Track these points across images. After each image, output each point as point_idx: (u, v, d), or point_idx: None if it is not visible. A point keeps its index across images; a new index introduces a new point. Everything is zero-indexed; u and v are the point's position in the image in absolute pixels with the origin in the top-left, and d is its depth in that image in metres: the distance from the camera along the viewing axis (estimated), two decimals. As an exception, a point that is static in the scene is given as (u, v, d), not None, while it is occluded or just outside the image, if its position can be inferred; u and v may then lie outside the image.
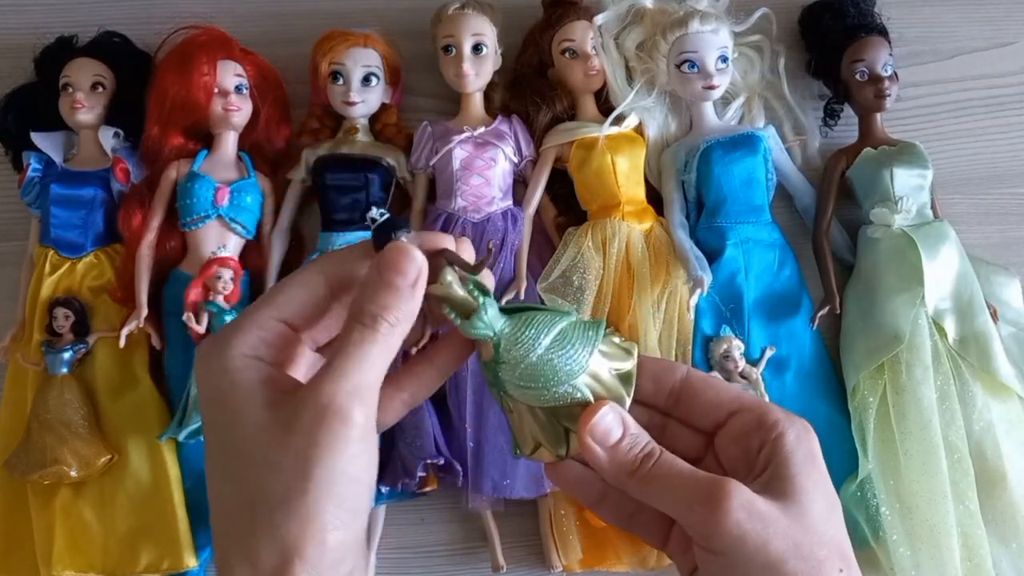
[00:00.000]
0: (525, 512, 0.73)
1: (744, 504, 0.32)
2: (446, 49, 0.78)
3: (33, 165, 0.78)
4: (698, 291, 0.71)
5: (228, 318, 0.71)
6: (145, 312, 0.72)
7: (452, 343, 0.37)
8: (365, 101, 0.78)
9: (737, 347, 0.73)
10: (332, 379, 0.31)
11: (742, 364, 0.72)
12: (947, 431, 0.69)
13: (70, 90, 0.78)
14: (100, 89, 0.78)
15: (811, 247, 0.78)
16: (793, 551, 0.32)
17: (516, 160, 0.78)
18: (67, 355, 0.72)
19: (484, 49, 0.77)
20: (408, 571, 0.73)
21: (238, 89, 0.77)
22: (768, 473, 0.34)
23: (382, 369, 0.32)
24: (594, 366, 0.35)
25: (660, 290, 0.74)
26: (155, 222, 0.75)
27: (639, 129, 0.79)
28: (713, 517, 0.32)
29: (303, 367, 0.35)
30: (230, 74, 0.76)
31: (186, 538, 0.69)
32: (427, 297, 0.33)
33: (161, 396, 0.73)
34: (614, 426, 0.35)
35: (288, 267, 0.77)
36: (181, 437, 0.68)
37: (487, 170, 0.76)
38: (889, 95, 0.77)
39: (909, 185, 0.75)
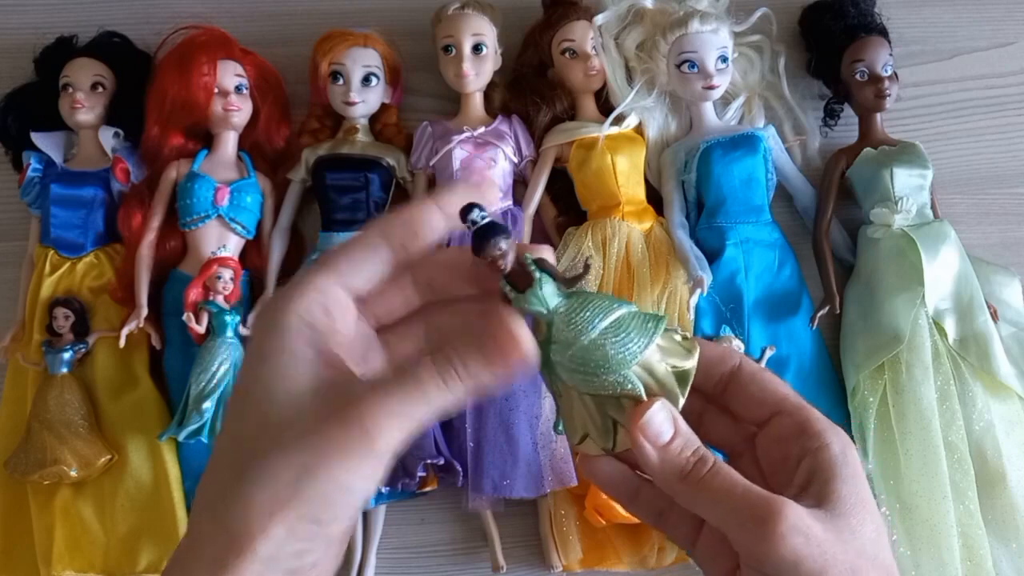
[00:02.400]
0: (525, 512, 0.73)
1: (802, 528, 0.30)
2: (446, 49, 0.78)
3: (33, 165, 0.78)
4: (698, 291, 0.71)
5: (228, 318, 0.71)
6: (145, 312, 0.72)
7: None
8: (365, 101, 0.78)
9: (737, 347, 0.73)
10: (372, 399, 0.29)
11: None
12: (947, 431, 0.69)
13: (70, 90, 0.78)
14: (100, 89, 0.78)
15: (811, 247, 0.78)
16: None
17: (516, 160, 0.78)
18: (67, 355, 0.72)
19: (484, 49, 0.77)
20: (408, 571, 0.73)
21: (238, 89, 0.77)
22: (815, 489, 0.33)
23: (428, 415, 0.30)
24: (650, 359, 0.33)
25: (660, 290, 0.74)
26: (155, 222, 0.75)
27: (639, 129, 0.79)
28: (768, 540, 0.30)
29: (358, 345, 0.33)
30: (230, 74, 0.76)
31: (186, 538, 0.69)
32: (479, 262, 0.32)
33: (161, 396, 0.73)
34: (666, 425, 0.33)
35: (288, 267, 0.77)
36: (181, 437, 0.68)
37: (487, 170, 0.76)
38: (889, 95, 0.77)
39: (909, 185, 0.75)
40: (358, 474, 0.29)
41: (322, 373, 0.30)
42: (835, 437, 0.33)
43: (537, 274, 0.32)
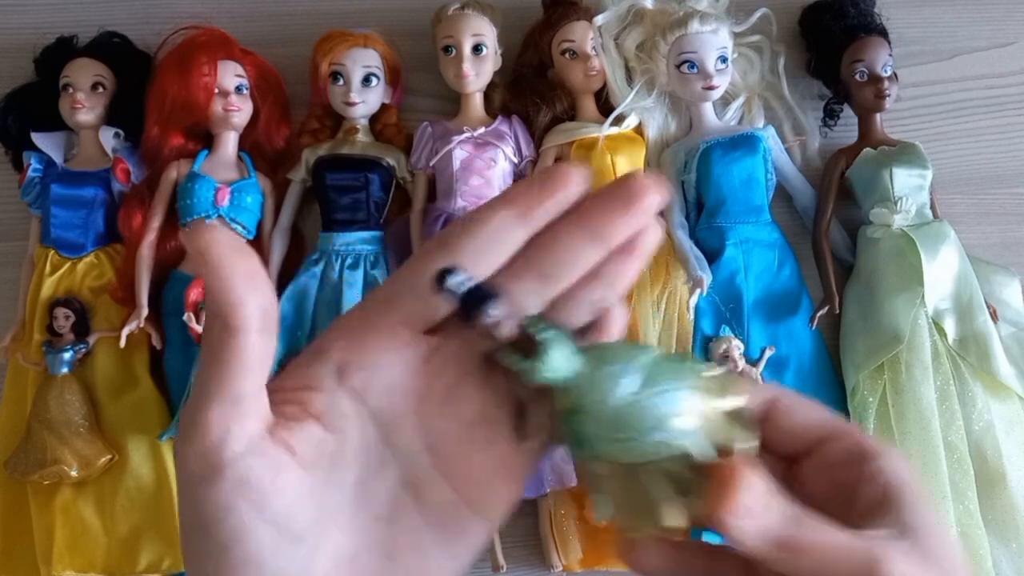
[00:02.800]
0: (525, 512, 0.73)
1: (908, 573, 0.27)
2: (446, 49, 0.78)
3: (33, 165, 0.78)
4: (698, 291, 0.71)
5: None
6: (145, 312, 0.72)
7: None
8: (365, 101, 0.78)
9: (737, 347, 0.73)
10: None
11: (742, 364, 0.72)
12: (947, 431, 0.69)
13: (70, 90, 0.78)
14: (100, 89, 0.78)
15: (811, 247, 0.78)
16: None
17: (516, 160, 0.78)
18: (67, 355, 0.72)
19: (484, 49, 0.78)
20: (408, 571, 0.73)
21: (238, 89, 0.77)
22: (887, 519, 0.28)
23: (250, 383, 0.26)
24: (696, 405, 0.27)
25: (660, 290, 0.74)
26: (155, 222, 0.75)
27: (639, 129, 0.79)
28: None
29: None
30: (230, 74, 0.76)
31: (186, 538, 0.69)
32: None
33: (161, 396, 0.73)
34: (759, 499, 0.27)
35: (288, 267, 0.77)
36: (181, 437, 0.68)
37: (487, 170, 0.76)
38: (889, 95, 0.77)
39: (909, 185, 0.75)
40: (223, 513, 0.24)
41: None
42: (891, 459, 0.30)
43: (544, 335, 0.27)
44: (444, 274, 0.26)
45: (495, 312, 0.26)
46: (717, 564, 0.32)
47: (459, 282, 0.26)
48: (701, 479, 0.27)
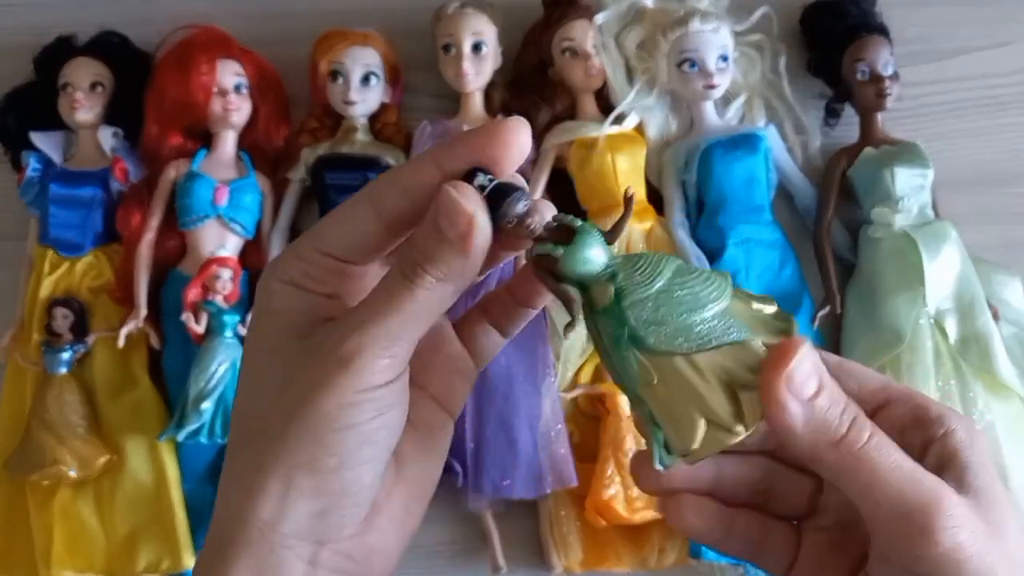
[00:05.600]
0: (525, 512, 0.73)
1: (966, 523, 0.26)
2: (446, 48, 0.78)
3: (32, 165, 0.78)
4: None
5: (227, 318, 0.71)
6: (144, 312, 0.72)
7: (528, 275, 0.31)
8: (365, 100, 0.77)
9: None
10: (347, 326, 0.27)
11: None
12: (948, 431, 0.69)
13: (69, 90, 0.78)
14: (99, 89, 0.78)
15: (812, 247, 0.78)
16: None
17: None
18: (66, 355, 0.72)
19: (484, 48, 0.77)
20: (408, 571, 0.73)
21: (237, 88, 0.77)
22: (950, 480, 0.28)
23: (416, 326, 0.27)
24: (726, 297, 0.27)
25: (660, 290, 0.74)
26: (154, 222, 0.75)
27: (639, 128, 0.79)
28: (932, 534, 0.26)
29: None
30: (229, 73, 0.76)
31: (185, 539, 0.69)
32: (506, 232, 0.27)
33: (160, 396, 0.73)
34: (812, 373, 0.26)
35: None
36: (180, 437, 0.68)
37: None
38: (890, 94, 0.77)
39: (910, 185, 0.75)
40: (344, 403, 0.26)
41: (309, 322, 0.29)
42: (959, 422, 0.29)
43: (579, 223, 0.27)
44: (472, 173, 0.27)
45: (522, 206, 0.27)
46: (758, 528, 0.32)
47: (486, 180, 0.27)
48: (748, 371, 0.26)
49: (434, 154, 0.28)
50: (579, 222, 0.27)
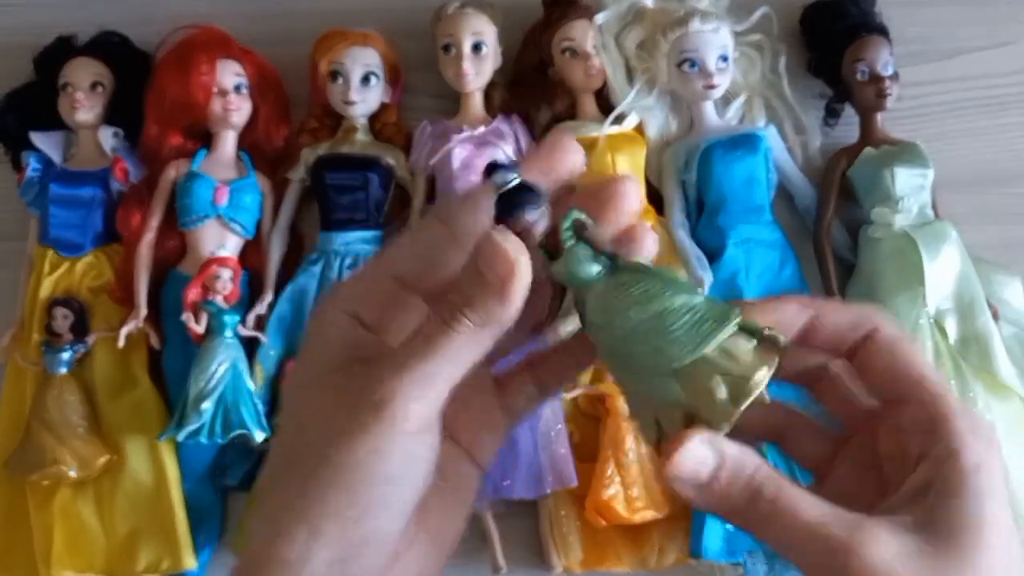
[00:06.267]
0: (525, 512, 0.72)
1: (883, 567, 0.24)
2: (446, 48, 0.78)
3: (32, 165, 0.78)
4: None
5: (227, 318, 0.71)
6: (144, 312, 0.72)
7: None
8: (365, 100, 0.77)
9: (738, 347, 0.72)
10: (385, 368, 0.27)
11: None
12: (948, 431, 0.69)
13: (69, 90, 0.78)
14: (99, 89, 0.78)
15: (812, 247, 0.78)
16: None
17: (516, 160, 0.78)
18: (66, 355, 0.72)
19: (484, 48, 0.77)
20: (408, 572, 0.73)
21: (237, 88, 0.77)
22: (927, 505, 0.26)
23: (452, 372, 0.27)
24: (698, 368, 0.26)
25: (660, 290, 0.74)
26: (154, 222, 0.75)
27: (639, 128, 0.79)
28: None
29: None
30: (229, 73, 0.76)
31: (185, 539, 0.69)
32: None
33: (160, 396, 0.73)
34: (706, 458, 0.26)
35: (288, 267, 0.77)
36: (180, 437, 0.68)
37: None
38: (890, 95, 0.77)
39: (910, 185, 0.75)
40: (378, 454, 0.26)
41: (355, 358, 0.28)
42: (973, 445, 0.26)
43: (569, 243, 0.28)
44: (493, 168, 0.27)
45: (534, 209, 0.27)
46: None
47: (505, 178, 0.27)
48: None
49: (445, 215, 0.29)
50: (571, 240, 0.28)
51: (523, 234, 0.27)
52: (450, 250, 0.29)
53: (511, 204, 0.27)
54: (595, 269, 0.28)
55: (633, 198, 0.30)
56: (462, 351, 0.27)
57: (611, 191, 0.30)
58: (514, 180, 0.27)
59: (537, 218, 0.27)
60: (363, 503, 0.26)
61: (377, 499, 0.26)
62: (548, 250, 0.28)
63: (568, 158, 0.30)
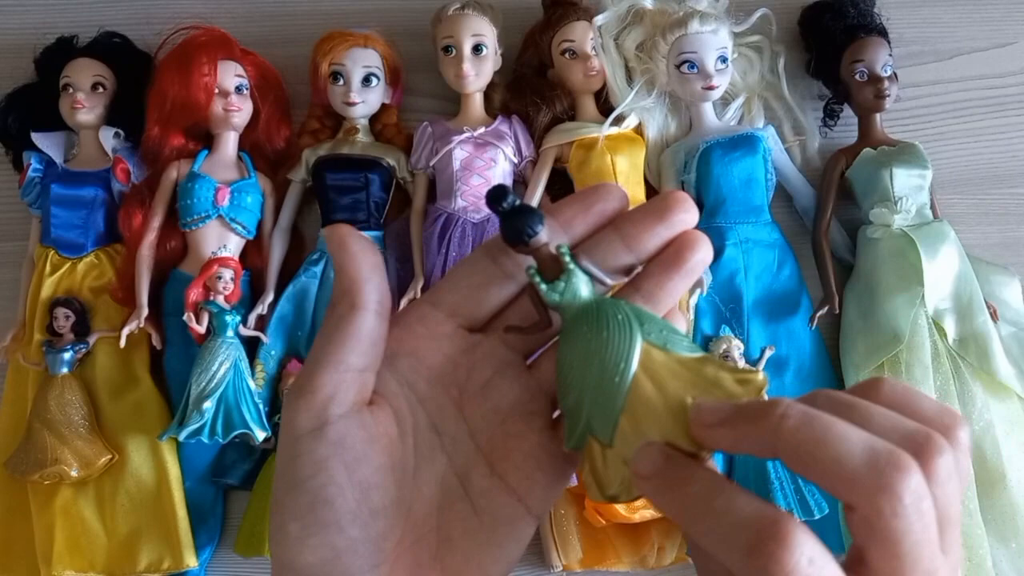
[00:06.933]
0: (525, 512, 0.73)
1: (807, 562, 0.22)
2: (446, 50, 0.78)
3: (34, 165, 0.78)
4: (697, 291, 0.71)
5: (228, 318, 0.71)
6: (145, 312, 0.72)
7: None
8: (365, 101, 0.78)
9: (737, 347, 0.73)
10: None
11: (741, 364, 0.72)
12: (946, 431, 0.69)
13: (70, 90, 0.78)
14: (100, 89, 0.78)
15: (810, 247, 0.78)
16: None
17: (516, 160, 0.78)
18: (67, 355, 0.72)
19: (484, 49, 0.78)
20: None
21: (238, 89, 0.77)
22: (851, 551, 0.24)
23: (358, 350, 0.29)
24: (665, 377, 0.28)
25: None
26: (156, 222, 0.75)
27: (639, 129, 0.79)
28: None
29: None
30: (230, 74, 0.77)
31: (186, 538, 0.69)
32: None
33: (161, 396, 0.73)
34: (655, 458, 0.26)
35: (288, 267, 0.77)
36: (181, 437, 0.68)
37: (487, 170, 0.76)
38: (889, 95, 0.77)
39: (908, 185, 0.75)
40: (302, 431, 0.28)
41: None
42: (878, 498, 0.23)
43: (571, 265, 0.29)
44: (498, 192, 0.28)
45: (537, 230, 0.28)
46: None
47: (509, 202, 0.28)
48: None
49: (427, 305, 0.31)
50: (571, 265, 0.29)
51: (519, 250, 0.28)
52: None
53: (518, 221, 0.28)
54: (586, 294, 0.29)
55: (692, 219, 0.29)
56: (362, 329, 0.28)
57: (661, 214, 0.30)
58: (516, 201, 0.28)
59: (540, 235, 0.28)
60: (310, 478, 0.27)
61: (316, 474, 0.27)
62: (542, 273, 0.29)
63: (608, 207, 0.30)
